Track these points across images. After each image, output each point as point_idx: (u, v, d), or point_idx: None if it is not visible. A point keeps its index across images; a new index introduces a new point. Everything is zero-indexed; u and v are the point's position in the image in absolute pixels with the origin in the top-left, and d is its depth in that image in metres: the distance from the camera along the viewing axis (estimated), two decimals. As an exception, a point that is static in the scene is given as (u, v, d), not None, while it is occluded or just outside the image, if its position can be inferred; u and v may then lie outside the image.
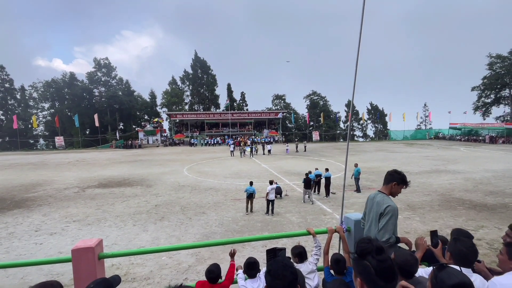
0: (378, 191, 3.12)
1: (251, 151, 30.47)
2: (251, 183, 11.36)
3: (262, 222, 9.62)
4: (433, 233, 2.90)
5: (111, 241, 8.02)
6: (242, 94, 70.50)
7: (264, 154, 31.17)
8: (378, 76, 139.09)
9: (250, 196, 10.59)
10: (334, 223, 9.38)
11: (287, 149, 33.53)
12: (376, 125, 69.60)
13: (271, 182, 10.70)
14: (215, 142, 49.29)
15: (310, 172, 12.93)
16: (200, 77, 68.60)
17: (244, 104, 70.32)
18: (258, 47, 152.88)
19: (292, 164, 23.74)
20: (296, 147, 34.58)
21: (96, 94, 61.44)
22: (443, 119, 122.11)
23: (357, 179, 13.60)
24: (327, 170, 13.58)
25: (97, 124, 49.32)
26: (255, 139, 48.21)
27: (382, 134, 67.10)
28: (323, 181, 13.27)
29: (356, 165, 14.13)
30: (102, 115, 57.89)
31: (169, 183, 16.33)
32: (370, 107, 70.34)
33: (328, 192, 12.89)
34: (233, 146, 32.75)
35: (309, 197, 11.80)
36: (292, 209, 10.97)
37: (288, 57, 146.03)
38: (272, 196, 10.28)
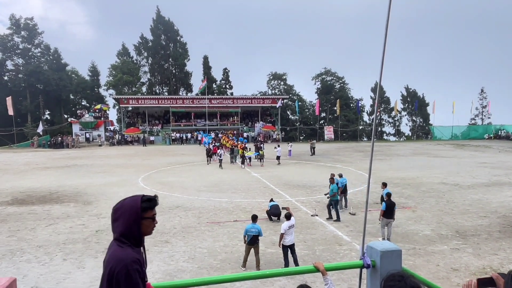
0: None
1: (261, 156, 28.04)
2: (254, 218, 9.11)
3: (251, 255, 9.62)
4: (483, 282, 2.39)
5: (30, 283, 7.90)
6: (225, 72, 70.61)
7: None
8: (417, 48, 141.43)
9: (253, 242, 8.66)
10: (353, 256, 9.49)
11: (289, 151, 33.90)
12: (413, 118, 70.87)
13: (288, 216, 8.88)
14: (186, 138, 49.16)
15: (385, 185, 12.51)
16: (164, 46, 68.35)
17: (227, 86, 70.47)
18: (248, 3, 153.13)
19: (294, 173, 23.89)
20: (311, 149, 35.22)
21: (10, 67, 60.24)
22: (507, 111, 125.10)
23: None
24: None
25: (10, 112, 48.30)
26: (241, 138, 48.21)
27: (422, 132, 68.38)
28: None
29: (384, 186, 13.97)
30: (18, 99, 56.72)
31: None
32: (405, 93, 71.57)
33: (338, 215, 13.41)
34: (221, 151, 27.67)
35: (387, 231, 10.70)
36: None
37: (293, 20, 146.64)
38: (292, 239, 8.71)
